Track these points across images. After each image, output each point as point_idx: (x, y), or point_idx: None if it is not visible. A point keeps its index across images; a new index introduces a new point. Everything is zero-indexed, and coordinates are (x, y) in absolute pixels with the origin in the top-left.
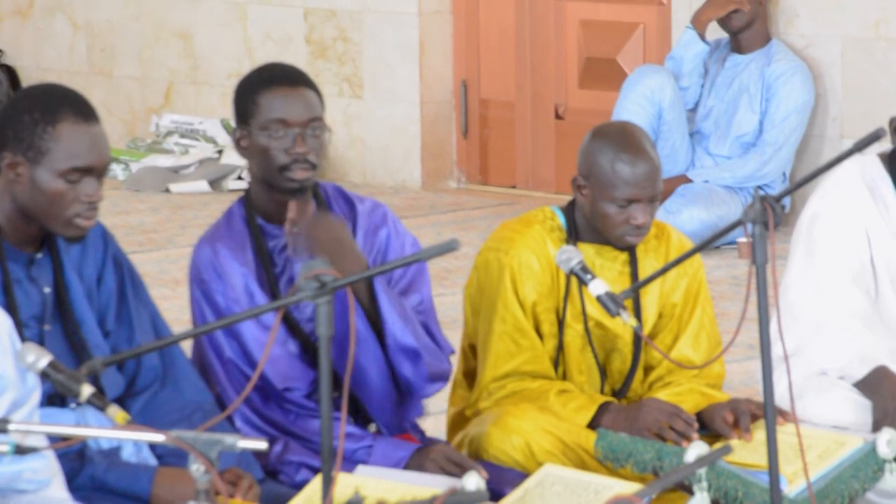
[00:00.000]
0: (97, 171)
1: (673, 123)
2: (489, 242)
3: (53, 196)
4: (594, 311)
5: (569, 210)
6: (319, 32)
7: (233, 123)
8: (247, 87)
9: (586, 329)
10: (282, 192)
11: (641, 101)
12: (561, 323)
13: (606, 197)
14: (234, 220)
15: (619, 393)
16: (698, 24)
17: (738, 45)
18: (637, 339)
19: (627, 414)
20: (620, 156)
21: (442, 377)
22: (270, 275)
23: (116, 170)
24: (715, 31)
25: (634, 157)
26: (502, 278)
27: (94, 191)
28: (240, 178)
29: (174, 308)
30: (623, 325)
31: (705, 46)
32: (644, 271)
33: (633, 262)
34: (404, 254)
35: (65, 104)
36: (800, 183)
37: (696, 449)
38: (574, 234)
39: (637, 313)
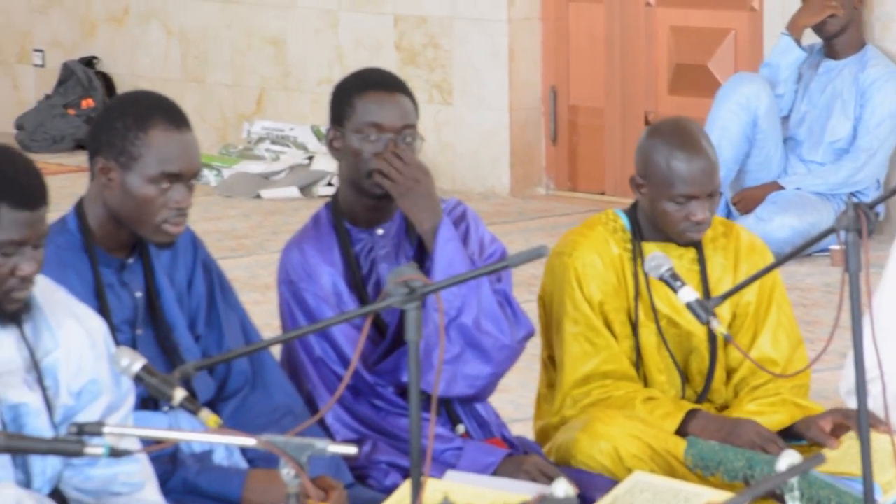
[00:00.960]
0: (187, 178)
1: (768, 131)
2: (555, 248)
3: (143, 201)
4: (665, 308)
5: (632, 211)
6: (409, 39)
7: (324, 128)
8: (344, 90)
9: (659, 328)
10: (369, 196)
11: (737, 109)
12: (634, 323)
13: (664, 195)
14: (321, 223)
15: (701, 396)
16: (794, 29)
17: (832, 50)
18: (712, 339)
19: (720, 426)
20: (676, 153)
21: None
22: (357, 277)
23: (209, 176)
24: (808, 37)
25: (690, 154)
26: (568, 280)
27: (183, 197)
28: (330, 184)
29: (264, 313)
30: (697, 322)
31: (802, 53)
32: (712, 269)
33: (702, 261)
34: (483, 247)
35: (157, 111)
36: (895, 189)
37: (789, 458)
38: (638, 234)
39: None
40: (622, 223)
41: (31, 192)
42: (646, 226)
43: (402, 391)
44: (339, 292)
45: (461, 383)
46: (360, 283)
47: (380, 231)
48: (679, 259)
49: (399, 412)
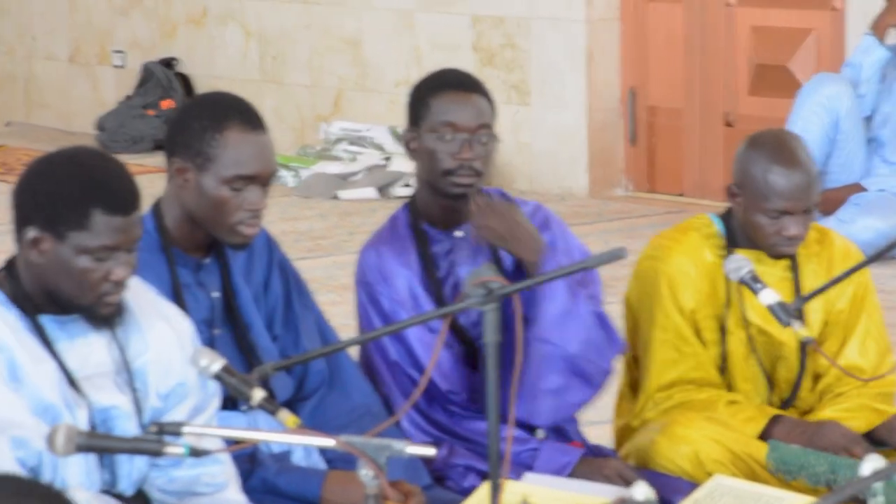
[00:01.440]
0: (262, 180)
1: (849, 132)
2: (646, 251)
3: (218, 203)
4: (756, 317)
5: (727, 217)
6: (487, 39)
7: (401, 129)
8: (421, 90)
9: (749, 336)
10: (445, 197)
11: (818, 109)
12: (723, 330)
13: (759, 208)
14: (398, 224)
15: (787, 402)
16: (878, 29)
17: None
18: (803, 346)
19: (804, 429)
20: (774, 167)
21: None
22: (434, 279)
23: (286, 177)
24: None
25: (788, 169)
26: (660, 286)
27: (258, 199)
28: (407, 184)
29: (342, 314)
30: (788, 331)
31: (885, 52)
32: (806, 277)
33: (795, 268)
34: (570, 254)
35: (233, 112)
36: None
37: (872, 462)
38: (733, 241)
39: (800, 319)
40: (716, 228)
41: (123, 197)
42: (740, 233)
43: (471, 399)
44: (416, 295)
45: (567, 411)
46: (438, 285)
47: (459, 233)
48: (772, 267)
49: (472, 416)
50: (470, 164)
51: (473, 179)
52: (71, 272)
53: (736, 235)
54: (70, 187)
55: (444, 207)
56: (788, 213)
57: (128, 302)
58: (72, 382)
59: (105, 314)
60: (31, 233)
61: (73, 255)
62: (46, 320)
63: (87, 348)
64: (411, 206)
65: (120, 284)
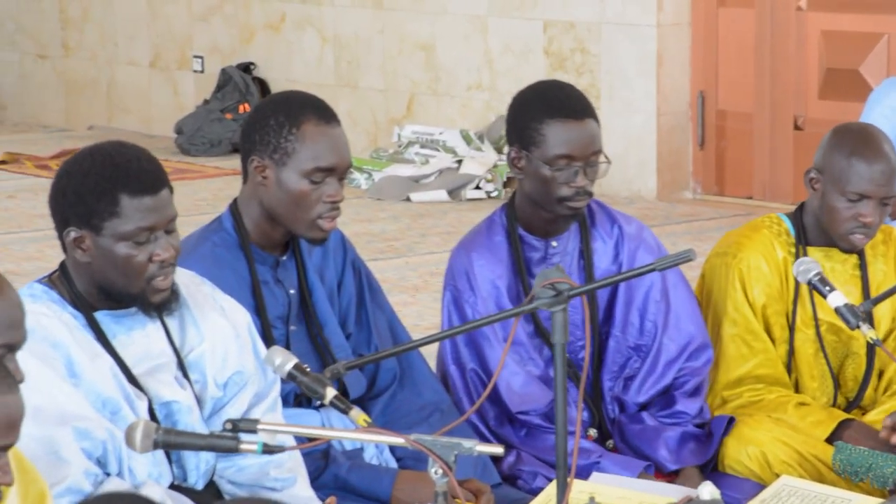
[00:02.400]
0: (339, 172)
1: None
2: (716, 248)
3: (299, 197)
4: (826, 315)
5: (797, 215)
6: (558, 44)
7: (473, 132)
8: (531, 112)
9: (818, 334)
10: (553, 214)
11: (888, 113)
12: (791, 327)
13: (839, 190)
14: (494, 228)
15: (853, 402)
16: None
17: None
18: (871, 347)
19: (873, 434)
20: (858, 150)
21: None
22: (526, 286)
23: (360, 179)
24: None
25: (873, 155)
26: (731, 281)
27: (336, 191)
28: (478, 187)
29: (413, 314)
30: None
31: None
32: (874, 276)
33: (863, 266)
34: (664, 281)
35: (308, 107)
36: None
37: None
38: (802, 239)
39: (869, 320)
40: (786, 227)
41: (147, 177)
42: (811, 230)
43: (547, 413)
44: (502, 307)
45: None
46: (527, 290)
47: (554, 243)
48: (842, 265)
49: (543, 431)
50: (585, 190)
51: (586, 201)
52: (115, 261)
53: (806, 232)
54: (94, 180)
55: (546, 219)
56: (867, 197)
57: (183, 295)
58: (130, 377)
59: (157, 301)
60: (72, 233)
61: (112, 244)
62: (102, 316)
63: (145, 339)
64: (508, 210)
65: (165, 265)
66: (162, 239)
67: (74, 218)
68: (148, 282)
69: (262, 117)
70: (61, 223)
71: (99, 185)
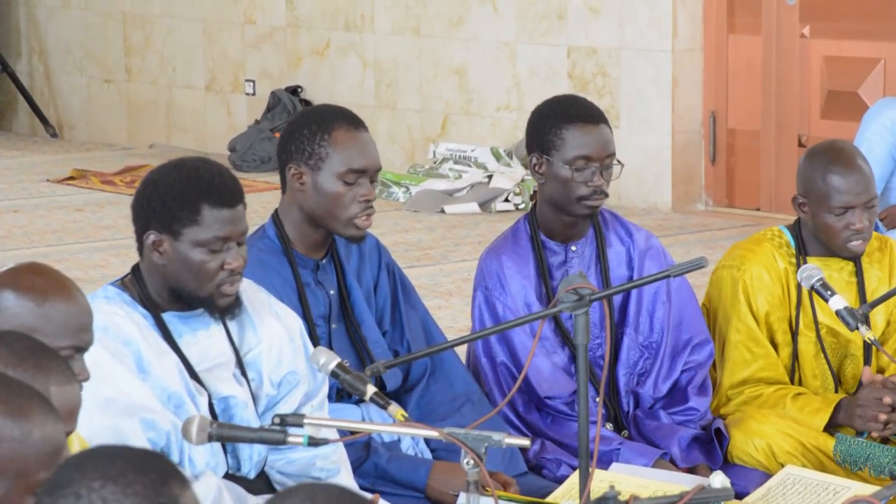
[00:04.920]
0: (370, 174)
1: None
2: (722, 261)
3: (335, 198)
4: (826, 318)
5: (795, 227)
6: (581, 68)
7: (502, 149)
8: (549, 120)
9: (818, 336)
10: (570, 215)
11: (882, 130)
12: (794, 332)
13: (825, 208)
14: (519, 235)
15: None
16: None
17: None
18: (867, 345)
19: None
20: (830, 168)
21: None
22: (548, 288)
23: (398, 193)
24: None
25: (843, 168)
26: (736, 292)
27: (368, 191)
28: (506, 200)
29: (447, 317)
30: (855, 332)
31: None
32: (869, 282)
33: (859, 273)
34: (669, 284)
35: (337, 115)
36: None
37: None
38: (802, 250)
39: (866, 322)
40: (786, 239)
41: (227, 191)
42: (809, 241)
43: (570, 402)
44: (529, 304)
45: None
46: (551, 293)
47: (573, 248)
48: (839, 272)
49: (566, 419)
50: (601, 189)
51: (603, 200)
52: (190, 265)
53: (804, 243)
54: (179, 189)
55: (565, 224)
56: (851, 207)
57: (243, 301)
58: (192, 374)
59: (223, 305)
60: (151, 237)
61: (189, 249)
62: (170, 317)
63: (208, 340)
64: (531, 218)
65: (234, 273)
66: (234, 249)
67: (156, 222)
68: (217, 287)
69: (296, 129)
70: (142, 227)
71: (183, 194)
